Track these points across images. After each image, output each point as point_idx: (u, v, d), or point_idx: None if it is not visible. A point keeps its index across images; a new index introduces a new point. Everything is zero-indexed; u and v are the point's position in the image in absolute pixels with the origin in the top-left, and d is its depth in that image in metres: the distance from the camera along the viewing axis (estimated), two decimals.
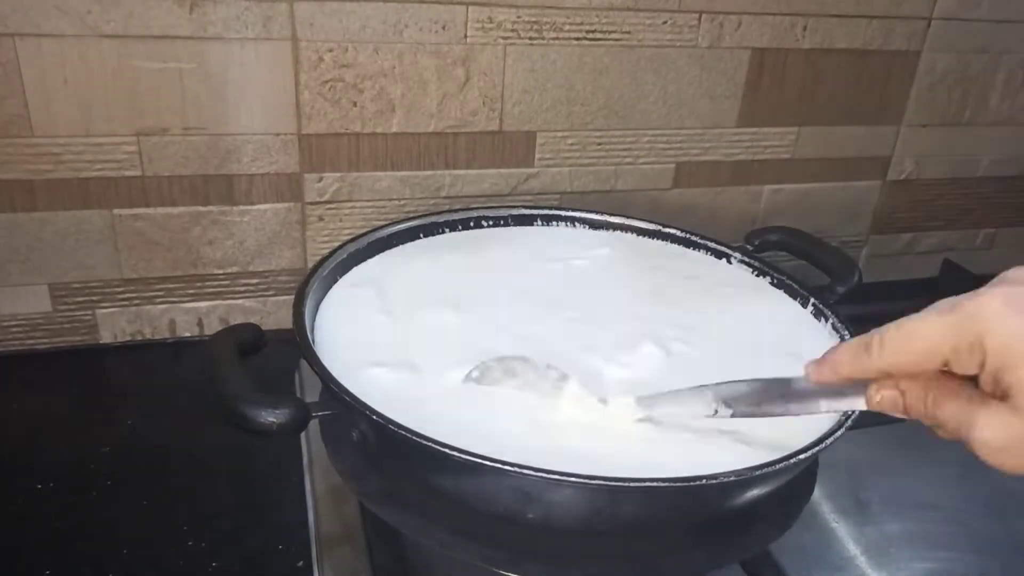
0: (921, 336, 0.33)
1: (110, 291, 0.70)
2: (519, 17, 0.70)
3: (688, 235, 0.68)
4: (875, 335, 0.34)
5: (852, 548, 0.55)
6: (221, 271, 0.72)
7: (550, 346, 0.53)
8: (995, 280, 0.33)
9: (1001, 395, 0.31)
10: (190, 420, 0.63)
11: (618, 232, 0.70)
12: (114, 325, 0.72)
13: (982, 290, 0.32)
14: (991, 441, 0.32)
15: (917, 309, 0.34)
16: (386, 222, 0.65)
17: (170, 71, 0.64)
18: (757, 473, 0.40)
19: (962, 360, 0.32)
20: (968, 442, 0.33)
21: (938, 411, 0.34)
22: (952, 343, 0.32)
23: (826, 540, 0.56)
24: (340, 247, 0.60)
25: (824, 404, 0.40)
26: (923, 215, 0.93)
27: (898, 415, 0.36)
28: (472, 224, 0.68)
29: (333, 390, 0.44)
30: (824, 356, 0.37)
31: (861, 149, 0.87)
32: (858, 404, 0.37)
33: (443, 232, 0.67)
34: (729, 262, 0.66)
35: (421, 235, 0.66)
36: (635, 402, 0.46)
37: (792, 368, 0.51)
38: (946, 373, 0.33)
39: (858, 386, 0.37)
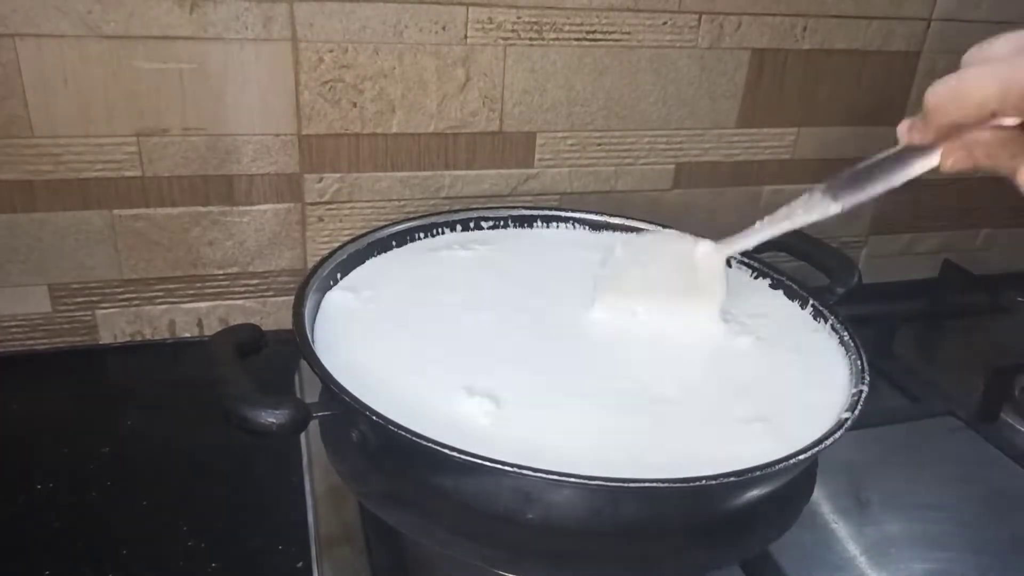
0: (974, 88, 0.36)
1: (110, 291, 0.70)
2: (519, 18, 0.70)
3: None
4: (931, 96, 0.38)
5: (852, 548, 0.55)
6: (221, 271, 0.72)
7: (554, 344, 0.53)
8: None
9: None
10: (190, 420, 0.63)
11: (619, 232, 0.70)
12: (114, 325, 0.72)
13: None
14: None
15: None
16: (386, 222, 0.65)
17: (170, 71, 0.64)
18: (757, 473, 0.40)
19: (1008, 111, 0.35)
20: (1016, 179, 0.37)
21: (1000, 160, 0.37)
22: (1000, 95, 0.35)
23: (826, 540, 0.56)
24: (340, 247, 0.60)
25: (904, 172, 0.43)
26: (923, 215, 0.93)
27: (967, 168, 0.39)
28: (472, 225, 0.68)
29: (333, 390, 0.44)
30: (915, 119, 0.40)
31: (861, 150, 0.86)
32: (930, 162, 0.41)
33: (443, 232, 0.67)
34: (728, 264, 0.66)
35: (421, 235, 0.66)
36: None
37: (792, 368, 0.51)
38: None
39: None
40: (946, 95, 0.37)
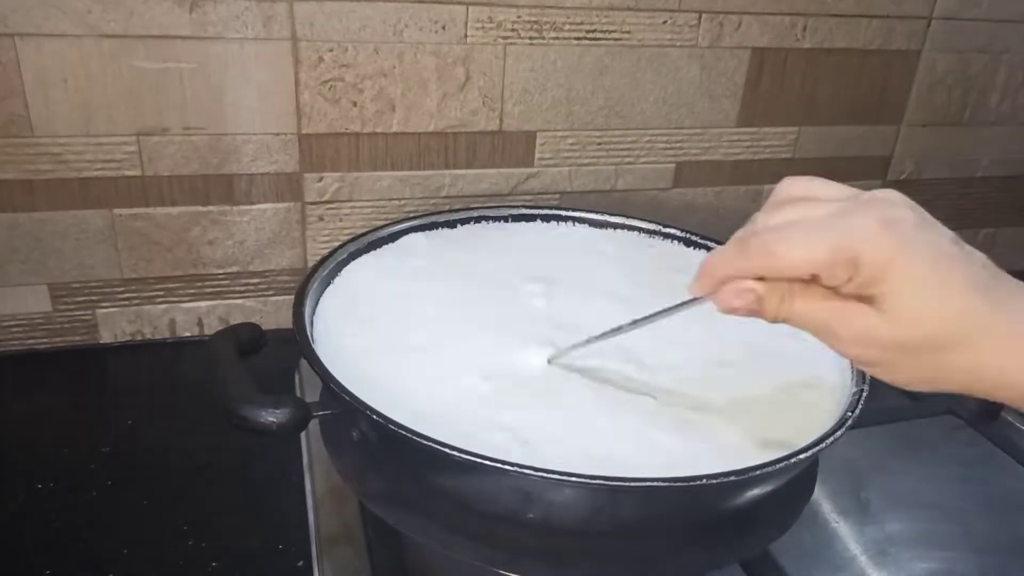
0: (801, 249, 0.34)
1: (110, 291, 0.70)
2: (519, 17, 0.70)
3: (688, 235, 0.68)
4: (752, 237, 0.35)
5: (852, 548, 0.55)
6: (221, 271, 0.72)
7: (551, 339, 0.53)
8: (866, 197, 0.35)
9: (865, 301, 0.34)
10: (190, 420, 0.63)
11: (619, 231, 0.70)
12: (114, 325, 0.72)
13: (857, 209, 0.34)
14: (850, 338, 0.34)
15: None
16: (386, 222, 0.65)
17: (170, 71, 0.64)
18: (757, 473, 0.40)
19: (834, 274, 0.33)
20: (829, 337, 0.35)
21: (796, 313, 0.35)
22: (829, 259, 0.33)
23: (826, 540, 0.56)
24: (340, 247, 0.60)
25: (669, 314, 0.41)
26: None
27: (749, 316, 0.36)
28: (472, 224, 0.68)
29: (333, 390, 0.44)
30: (701, 268, 0.38)
31: (861, 149, 0.87)
32: (708, 304, 0.38)
33: (443, 231, 0.67)
34: None
35: (421, 235, 0.66)
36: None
37: (792, 368, 0.51)
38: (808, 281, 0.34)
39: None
40: (777, 249, 0.34)
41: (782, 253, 0.34)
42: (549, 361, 0.52)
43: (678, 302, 0.40)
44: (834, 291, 0.34)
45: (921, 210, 0.35)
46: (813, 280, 0.34)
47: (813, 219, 0.34)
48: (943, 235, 0.34)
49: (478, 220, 0.69)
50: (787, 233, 0.34)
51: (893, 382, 0.35)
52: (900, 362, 0.34)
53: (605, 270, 0.64)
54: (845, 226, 0.33)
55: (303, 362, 0.64)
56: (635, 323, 0.45)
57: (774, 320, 0.36)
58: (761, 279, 0.35)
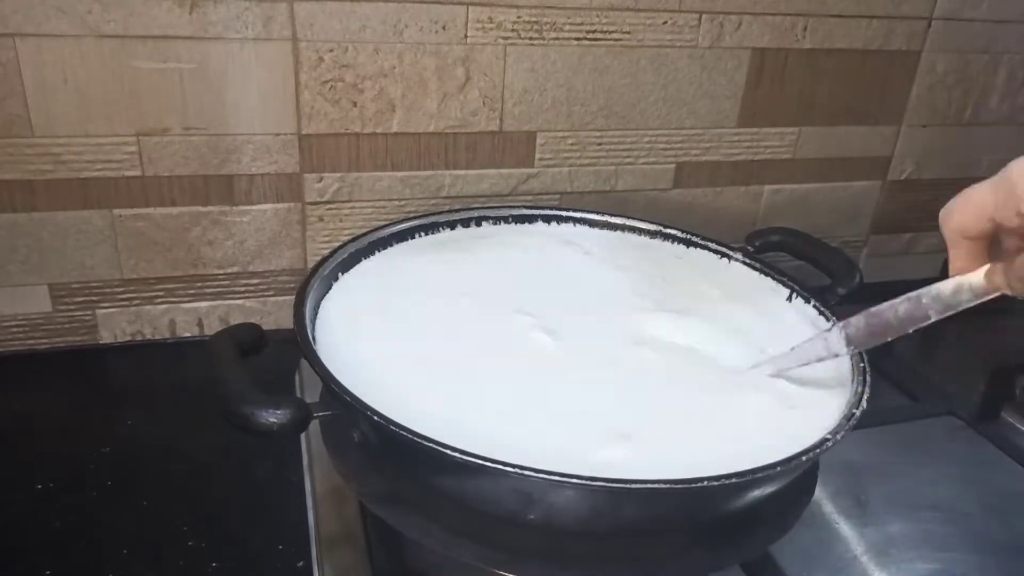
0: (971, 194, 0.39)
1: (110, 291, 0.70)
2: (519, 17, 0.70)
3: (688, 235, 0.68)
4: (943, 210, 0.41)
5: (853, 549, 0.55)
6: (221, 271, 0.72)
7: (553, 348, 0.53)
8: None
9: None
10: (190, 420, 0.63)
11: (618, 232, 0.70)
12: (114, 325, 0.72)
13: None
14: None
15: None
16: (386, 222, 0.65)
17: (170, 71, 0.64)
18: (758, 475, 0.40)
19: (1002, 213, 0.38)
20: None
21: None
22: (992, 198, 0.38)
23: (827, 541, 0.56)
24: (340, 247, 0.60)
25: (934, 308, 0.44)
26: (923, 215, 0.93)
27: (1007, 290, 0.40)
28: (472, 224, 0.68)
29: (334, 390, 0.44)
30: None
31: (861, 149, 0.87)
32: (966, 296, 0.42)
33: (443, 232, 0.67)
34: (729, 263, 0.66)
35: (421, 235, 0.66)
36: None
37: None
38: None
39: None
40: (954, 203, 0.40)
41: (956, 207, 0.40)
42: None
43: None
44: None
45: None
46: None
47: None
48: None
49: (478, 220, 0.68)
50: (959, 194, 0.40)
51: None
52: None
53: (602, 269, 0.64)
54: (1005, 172, 0.38)
55: (303, 362, 0.64)
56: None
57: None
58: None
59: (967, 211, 0.39)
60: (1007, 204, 0.37)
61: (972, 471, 0.64)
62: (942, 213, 0.41)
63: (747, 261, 0.65)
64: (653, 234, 0.69)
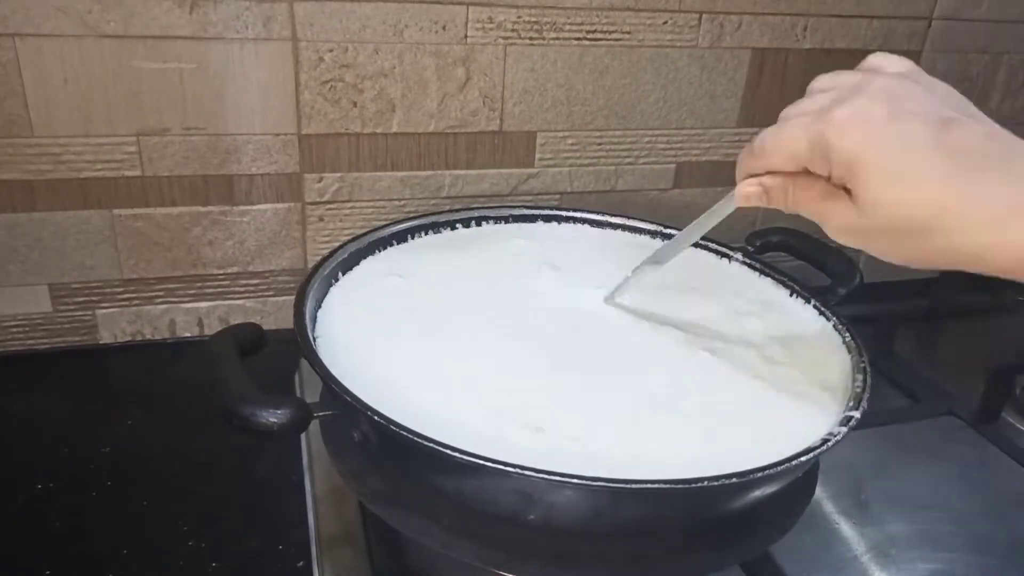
0: (786, 145, 0.39)
1: (110, 291, 0.70)
2: (519, 17, 0.70)
3: None
4: (755, 137, 0.41)
5: (853, 549, 0.55)
6: (221, 271, 0.72)
7: (550, 340, 0.53)
8: (860, 83, 0.38)
9: (849, 193, 0.37)
10: (190, 420, 0.63)
11: (618, 232, 0.70)
12: (114, 325, 0.72)
13: (842, 101, 0.37)
14: (835, 228, 0.39)
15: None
16: (386, 222, 0.65)
17: (170, 71, 0.64)
18: (758, 475, 0.40)
19: (817, 168, 0.38)
20: (823, 225, 0.40)
21: (798, 204, 0.40)
22: (808, 155, 0.38)
23: (827, 541, 0.56)
24: (340, 247, 0.60)
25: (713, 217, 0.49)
26: None
27: (763, 204, 0.42)
28: (472, 224, 0.68)
29: (334, 390, 0.44)
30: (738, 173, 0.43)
31: None
32: (730, 204, 0.45)
33: (443, 232, 0.67)
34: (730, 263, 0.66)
35: (421, 235, 0.66)
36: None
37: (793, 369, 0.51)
38: (808, 172, 0.39)
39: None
40: (767, 146, 0.40)
41: (770, 150, 0.40)
42: (604, 300, 0.57)
43: (711, 210, 0.47)
44: (832, 184, 0.38)
45: (910, 93, 0.38)
46: (812, 172, 0.38)
47: (808, 112, 0.38)
48: (927, 122, 0.36)
49: (478, 220, 0.68)
50: (779, 129, 0.39)
51: (886, 259, 0.39)
52: (882, 245, 0.38)
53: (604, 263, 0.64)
54: (825, 121, 0.37)
55: (303, 362, 0.64)
56: (672, 243, 0.52)
57: (786, 209, 0.41)
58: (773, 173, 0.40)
59: (780, 158, 0.40)
60: (821, 163, 0.37)
61: (972, 471, 0.64)
62: (749, 152, 0.41)
63: (747, 261, 0.65)
64: (653, 234, 0.69)
